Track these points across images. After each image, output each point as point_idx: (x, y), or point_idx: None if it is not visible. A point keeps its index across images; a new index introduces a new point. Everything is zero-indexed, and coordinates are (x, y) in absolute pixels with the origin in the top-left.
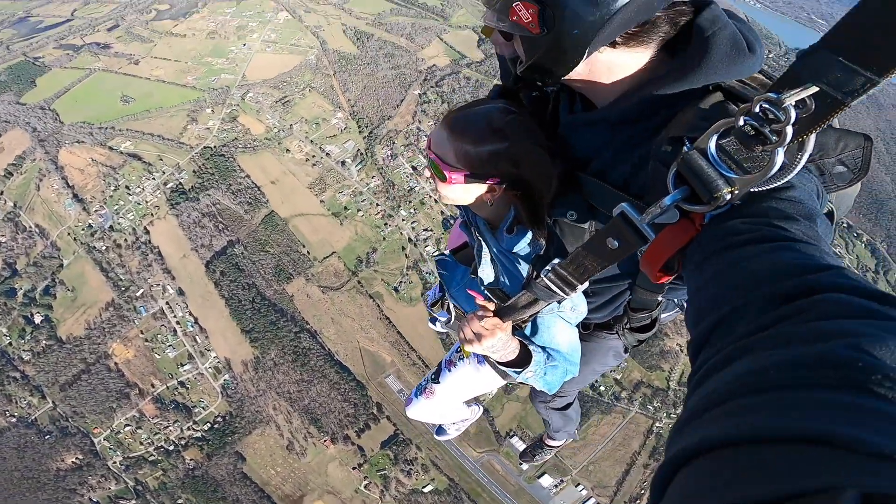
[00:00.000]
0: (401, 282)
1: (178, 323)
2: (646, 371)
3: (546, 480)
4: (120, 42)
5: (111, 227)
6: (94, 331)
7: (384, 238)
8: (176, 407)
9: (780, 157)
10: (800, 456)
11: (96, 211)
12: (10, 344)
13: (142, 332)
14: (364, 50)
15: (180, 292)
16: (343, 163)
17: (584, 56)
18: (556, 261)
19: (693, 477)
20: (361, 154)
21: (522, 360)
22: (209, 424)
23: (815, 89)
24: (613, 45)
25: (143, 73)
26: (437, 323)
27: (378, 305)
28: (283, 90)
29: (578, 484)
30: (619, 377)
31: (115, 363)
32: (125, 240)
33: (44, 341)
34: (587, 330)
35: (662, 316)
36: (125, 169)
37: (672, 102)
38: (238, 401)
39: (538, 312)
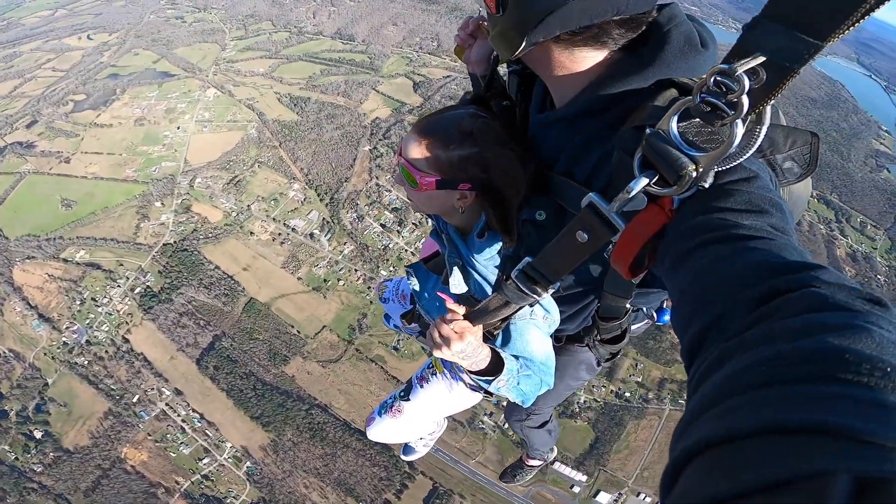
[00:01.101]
0: (398, 340)
1: (183, 421)
2: (664, 367)
3: (604, 497)
4: (43, 139)
5: (87, 341)
6: (101, 439)
7: (371, 302)
8: (207, 501)
9: (740, 129)
10: (792, 445)
11: (67, 328)
12: (17, 459)
13: (149, 435)
14: (304, 115)
15: (178, 392)
16: (311, 235)
17: (523, 42)
18: (526, 260)
19: (693, 474)
20: (328, 222)
21: (494, 368)
22: None
23: (763, 59)
24: (557, 39)
25: (77, 172)
26: (389, 321)
27: (381, 367)
28: (232, 170)
29: (639, 493)
30: (640, 379)
31: (132, 466)
32: (106, 352)
33: (51, 453)
34: (559, 343)
35: (633, 327)
36: (86, 280)
37: (628, 98)
38: (267, 485)
39: (510, 318)
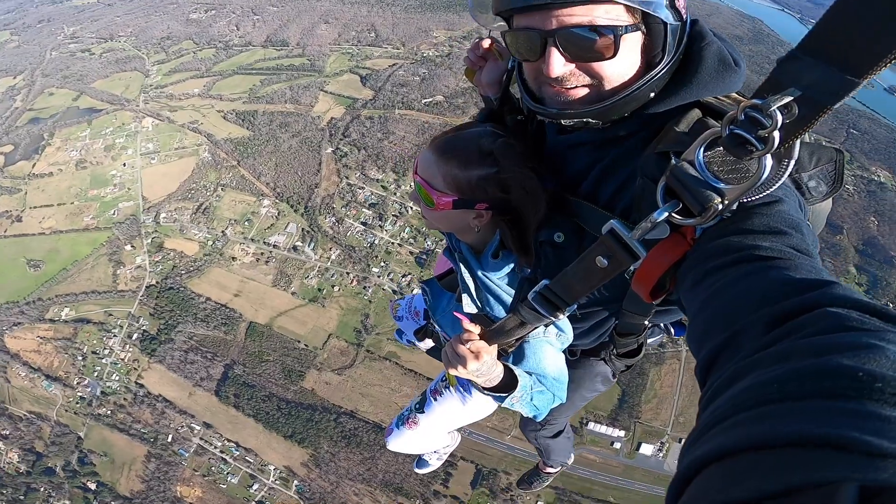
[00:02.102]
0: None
1: (222, 452)
2: None
3: (647, 449)
4: None
5: (102, 392)
6: (152, 482)
7: (370, 301)
8: None
9: (769, 163)
10: (801, 456)
11: (79, 383)
12: None
13: (195, 470)
14: (255, 129)
15: (207, 426)
16: (294, 248)
17: None
18: (543, 283)
19: (701, 483)
20: (308, 232)
21: (508, 385)
22: None
23: (797, 94)
24: None
25: (32, 229)
26: (402, 336)
27: (396, 363)
28: (195, 198)
29: (680, 439)
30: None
31: (191, 503)
32: (125, 399)
33: (112, 502)
34: (574, 356)
35: (649, 340)
36: (80, 336)
37: (654, 119)
38: (320, 499)
39: (524, 337)
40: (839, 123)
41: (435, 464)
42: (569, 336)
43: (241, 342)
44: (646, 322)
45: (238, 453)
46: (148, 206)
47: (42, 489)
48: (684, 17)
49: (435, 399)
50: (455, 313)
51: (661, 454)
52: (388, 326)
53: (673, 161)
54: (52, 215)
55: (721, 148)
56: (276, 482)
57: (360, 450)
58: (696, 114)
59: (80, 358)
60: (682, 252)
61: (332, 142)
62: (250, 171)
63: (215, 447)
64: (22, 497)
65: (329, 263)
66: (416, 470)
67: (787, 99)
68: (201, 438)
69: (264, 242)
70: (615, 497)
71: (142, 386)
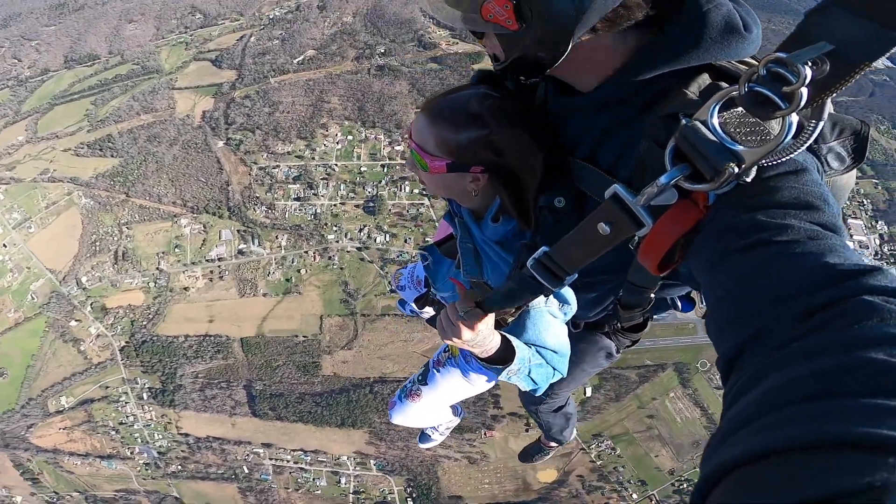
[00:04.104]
0: (389, 282)
1: (296, 463)
2: None
3: None
4: None
5: (159, 453)
6: None
7: (342, 268)
8: None
9: (792, 125)
10: (839, 460)
11: (134, 454)
12: None
13: (286, 488)
14: (122, 152)
15: (267, 446)
16: (240, 252)
17: (568, 47)
18: (542, 249)
19: (730, 487)
20: (245, 231)
21: (505, 356)
22: (411, 501)
23: (829, 48)
24: (593, 30)
25: None
26: (405, 306)
27: (396, 315)
28: (105, 249)
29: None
30: None
31: None
32: (182, 451)
33: None
34: (577, 329)
35: (656, 315)
36: (97, 415)
37: (657, 82)
38: (401, 466)
39: (524, 306)
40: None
41: (438, 438)
42: (573, 307)
43: (244, 360)
44: (651, 295)
45: (309, 458)
46: (62, 277)
47: None
48: None
49: (437, 371)
50: (451, 279)
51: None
52: (370, 285)
53: (683, 122)
54: None
55: (738, 109)
56: (357, 469)
57: None
58: (704, 78)
59: (113, 432)
60: (693, 221)
61: (218, 135)
62: (146, 197)
63: (288, 461)
64: None
65: (283, 251)
66: (420, 445)
67: (816, 53)
68: (271, 459)
69: (206, 260)
70: (650, 358)
71: (187, 434)
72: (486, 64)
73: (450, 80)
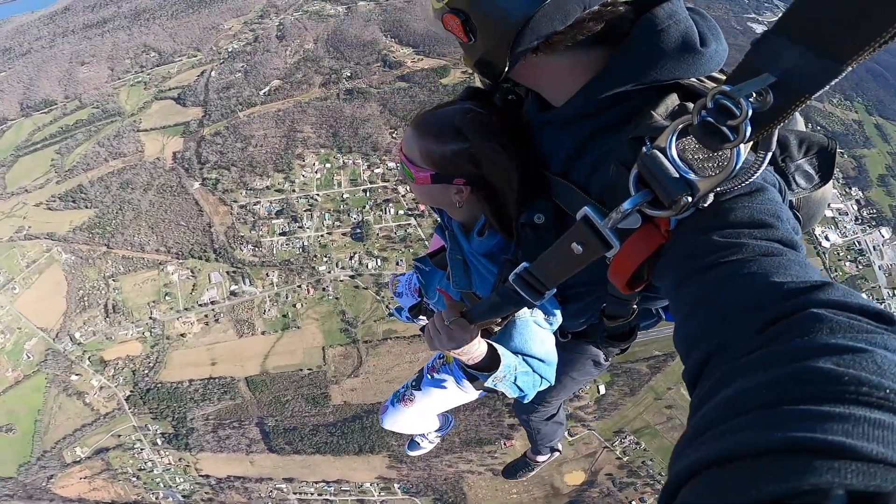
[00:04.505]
0: (387, 305)
1: (320, 494)
2: None
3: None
4: None
5: (184, 496)
6: None
7: (337, 298)
8: None
9: (741, 156)
10: (788, 464)
11: (160, 498)
12: None
13: None
14: (96, 203)
15: (289, 480)
16: (233, 293)
17: (507, 63)
18: (523, 265)
19: (692, 491)
20: (234, 272)
21: (491, 364)
22: None
23: (772, 80)
24: (536, 51)
25: None
26: (401, 313)
27: (398, 338)
28: (94, 303)
29: None
30: None
31: None
32: (205, 492)
33: None
34: (565, 338)
35: (643, 324)
36: (114, 463)
37: (625, 100)
38: (425, 486)
39: (510, 316)
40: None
41: (427, 447)
42: (558, 318)
43: (253, 399)
44: (633, 306)
45: (333, 488)
46: (54, 334)
47: None
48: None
49: (431, 376)
50: (438, 289)
51: None
52: (368, 311)
53: (644, 149)
54: None
55: (693, 136)
56: (382, 494)
57: None
58: (672, 100)
59: (134, 479)
60: (656, 245)
61: (193, 176)
62: (128, 247)
63: (312, 494)
64: None
65: (276, 288)
66: (409, 452)
67: (759, 86)
68: (294, 493)
69: (199, 305)
70: (658, 348)
71: (207, 476)
72: (457, 78)
73: (420, 96)
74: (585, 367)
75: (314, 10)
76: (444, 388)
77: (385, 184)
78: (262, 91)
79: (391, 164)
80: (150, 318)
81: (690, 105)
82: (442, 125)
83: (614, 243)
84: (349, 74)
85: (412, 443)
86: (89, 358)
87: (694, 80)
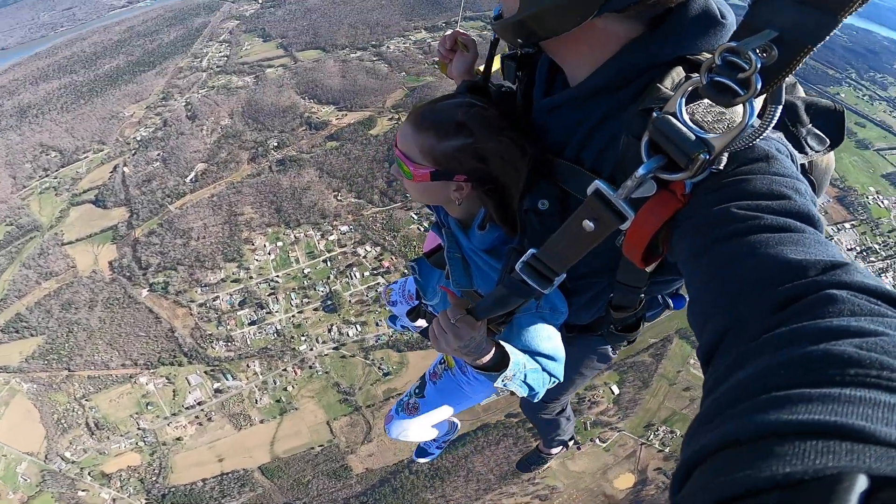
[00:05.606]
0: (379, 367)
1: None
2: None
3: None
4: None
5: None
6: None
7: (326, 372)
8: None
9: (755, 110)
10: (809, 446)
11: None
12: None
13: None
14: (41, 328)
15: None
16: (218, 391)
17: (593, 14)
18: (530, 251)
19: (707, 471)
20: (211, 371)
21: (499, 363)
22: None
23: (774, 34)
24: (620, 10)
25: None
26: (396, 322)
27: (398, 394)
28: (73, 424)
29: None
30: None
31: None
32: None
33: None
34: (571, 332)
35: (648, 314)
36: None
37: (640, 76)
38: None
39: (515, 311)
40: None
41: (435, 453)
42: (563, 312)
43: (273, 486)
44: (641, 294)
45: None
46: (44, 456)
47: None
48: None
49: (434, 383)
50: (440, 287)
51: None
52: (362, 377)
53: (655, 115)
54: None
55: (705, 99)
56: None
57: (454, 476)
58: (678, 72)
59: None
60: (672, 210)
61: (138, 283)
62: (90, 367)
63: None
64: None
65: (261, 377)
66: (417, 459)
67: (763, 41)
68: None
69: (186, 408)
70: (652, 336)
71: None
72: (385, 126)
73: (353, 152)
74: (592, 361)
75: (221, 85)
76: (448, 393)
77: (343, 249)
78: (188, 178)
79: (344, 229)
80: (139, 428)
81: (695, 76)
82: (442, 120)
83: (629, 213)
84: (276, 144)
85: (420, 450)
86: (89, 473)
87: (700, 54)
